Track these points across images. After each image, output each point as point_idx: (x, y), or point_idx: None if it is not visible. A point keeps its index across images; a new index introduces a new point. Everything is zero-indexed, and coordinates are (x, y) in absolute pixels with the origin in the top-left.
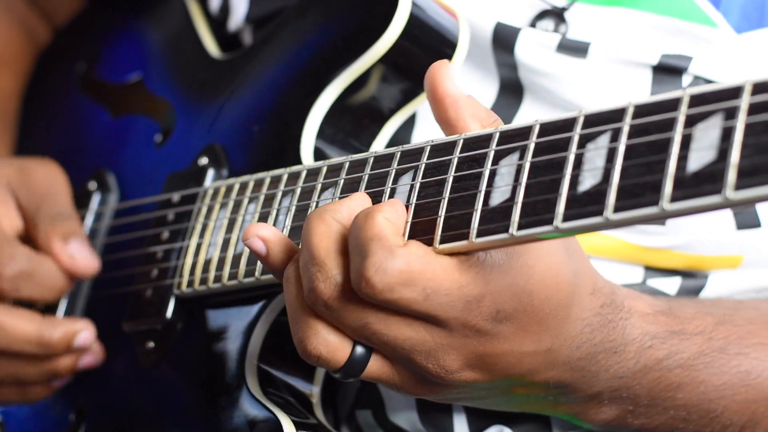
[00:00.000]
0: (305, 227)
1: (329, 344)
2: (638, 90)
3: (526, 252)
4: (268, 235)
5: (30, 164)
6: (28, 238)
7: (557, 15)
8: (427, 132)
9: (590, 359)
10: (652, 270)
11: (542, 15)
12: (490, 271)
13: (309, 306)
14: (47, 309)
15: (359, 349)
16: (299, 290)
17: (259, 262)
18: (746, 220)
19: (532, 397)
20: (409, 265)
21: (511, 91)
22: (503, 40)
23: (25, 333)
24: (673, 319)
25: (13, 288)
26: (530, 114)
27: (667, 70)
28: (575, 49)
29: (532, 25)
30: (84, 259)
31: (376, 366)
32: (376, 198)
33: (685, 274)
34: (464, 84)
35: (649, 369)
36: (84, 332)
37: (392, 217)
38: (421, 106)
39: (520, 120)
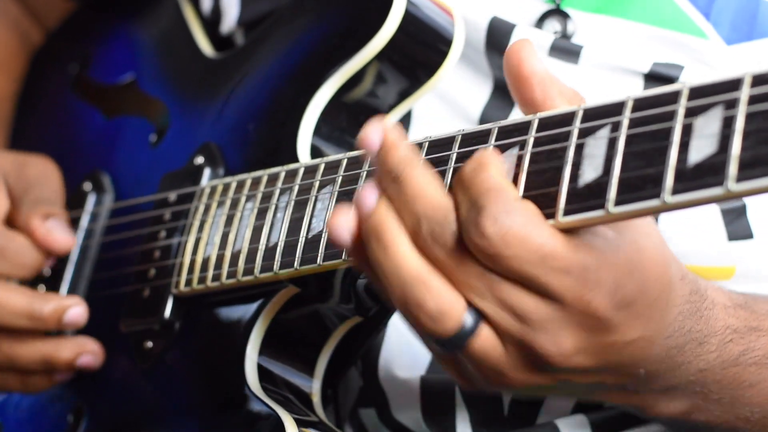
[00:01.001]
0: (407, 180)
1: (443, 301)
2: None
3: (634, 228)
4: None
5: (26, 158)
6: (11, 220)
7: (562, 15)
8: (423, 129)
9: (679, 349)
10: None
11: (547, 15)
12: (604, 243)
13: (418, 262)
14: None
15: (469, 316)
16: (407, 251)
17: (257, 260)
18: (738, 231)
19: (614, 387)
20: (527, 222)
21: (505, 92)
22: (497, 40)
23: (16, 305)
24: (750, 314)
25: None
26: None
27: (659, 79)
28: (568, 52)
29: (538, 26)
30: (60, 234)
31: (485, 337)
32: None
33: None
34: (457, 83)
35: (727, 364)
36: (75, 308)
37: (503, 169)
38: (416, 103)
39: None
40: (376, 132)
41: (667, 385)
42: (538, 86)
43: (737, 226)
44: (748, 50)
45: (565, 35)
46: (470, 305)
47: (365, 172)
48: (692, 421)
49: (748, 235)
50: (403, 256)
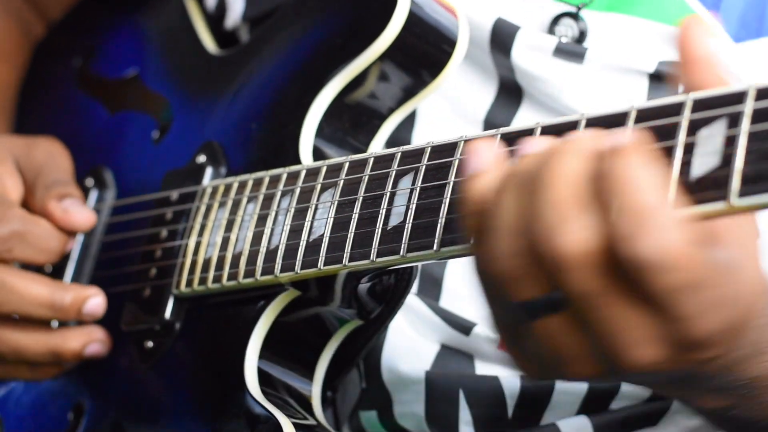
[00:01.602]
0: (551, 164)
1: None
2: (635, 97)
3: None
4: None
5: (35, 140)
6: (27, 206)
7: (575, 17)
8: (427, 130)
9: (744, 359)
10: None
11: (560, 17)
12: (727, 261)
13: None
14: None
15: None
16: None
17: (258, 262)
18: None
19: (670, 385)
20: (687, 244)
21: (511, 92)
22: (501, 40)
23: (38, 295)
24: None
25: (5, 249)
26: (528, 117)
27: (664, 78)
28: (572, 53)
29: (551, 31)
30: (78, 212)
31: (567, 317)
32: (376, 200)
33: None
34: (462, 84)
35: None
36: (95, 298)
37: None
38: (420, 104)
39: (518, 122)
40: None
41: (718, 385)
42: (710, 67)
43: None
44: (757, 48)
45: (579, 39)
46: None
47: (367, 176)
48: (734, 416)
49: None
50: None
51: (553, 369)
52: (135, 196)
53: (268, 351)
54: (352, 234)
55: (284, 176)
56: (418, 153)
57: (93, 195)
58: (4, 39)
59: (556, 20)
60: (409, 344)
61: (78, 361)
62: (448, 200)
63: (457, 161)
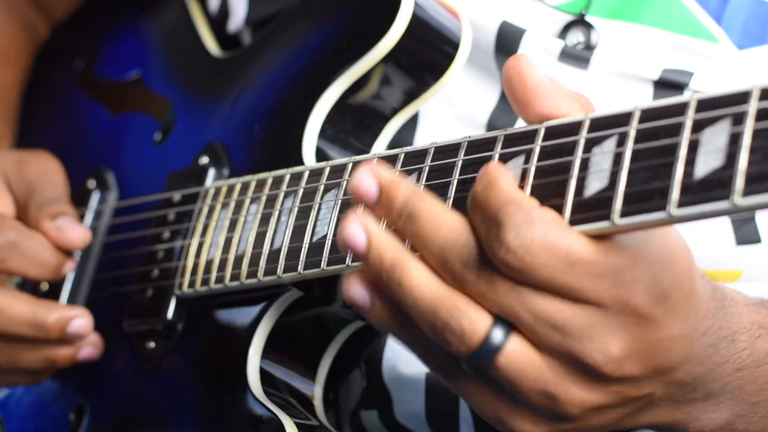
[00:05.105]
0: (427, 210)
1: (468, 316)
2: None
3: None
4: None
5: (26, 155)
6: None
7: (586, 25)
8: (429, 132)
9: (714, 347)
10: None
11: (570, 26)
12: (631, 240)
13: (439, 285)
14: None
15: (498, 330)
16: (425, 280)
17: (261, 263)
18: (746, 236)
19: (663, 400)
20: (549, 229)
21: None
22: (506, 43)
23: (20, 314)
24: None
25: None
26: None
27: (668, 85)
28: (577, 58)
29: (561, 38)
30: (72, 230)
31: (517, 350)
32: None
33: None
34: (465, 87)
35: (760, 361)
36: (79, 319)
37: (512, 179)
38: (423, 106)
39: (521, 125)
40: (367, 178)
41: (708, 391)
42: (544, 96)
43: (746, 231)
44: (759, 55)
45: (588, 46)
46: (499, 320)
47: None
48: None
49: (756, 239)
50: (423, 283)
51: (547, 405)
52: (137, 197)
53: (270, 351)
54: None
55: (287, 177)
56: (422, 153)
57: (95, 196)
58: (8, 42)
59: (566, 29)
60: None
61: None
62: (451, 200)
63: (460, 162)
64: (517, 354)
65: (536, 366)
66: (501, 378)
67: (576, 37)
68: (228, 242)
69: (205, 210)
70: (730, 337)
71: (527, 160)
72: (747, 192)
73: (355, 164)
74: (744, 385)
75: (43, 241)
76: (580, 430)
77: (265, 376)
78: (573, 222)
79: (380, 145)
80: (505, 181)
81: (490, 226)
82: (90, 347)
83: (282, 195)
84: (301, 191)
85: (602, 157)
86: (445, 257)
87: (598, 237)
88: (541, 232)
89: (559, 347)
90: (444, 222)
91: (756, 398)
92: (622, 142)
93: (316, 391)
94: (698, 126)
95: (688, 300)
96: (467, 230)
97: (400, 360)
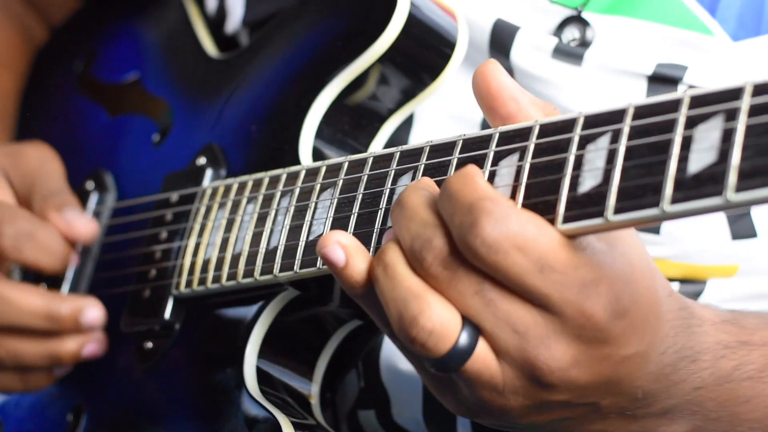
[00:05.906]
0: (404, 203)
1: (439, 316)
2: (633, 99)
3: (622, 241)
4: (348, 243)
5: (21, 148)
6: None
7: (581, 22)
8: (425, 132)
9: (673, 366)
10: None
11: (566, 22)
12: (599, 255)
13: (414, 280)
14: None
15: (465, 335)
16: (404, 270)
17: (257, 262)
18: (742, 231)
19: (612, 410)
20: (525, 229)
21: None
22: (500, 40)
23: (34, 306)
24: (740, 329)
25: (15, 247)
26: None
27: (662, 80)
28: (571, 54)
29: (557, 35)
30: (81, 223)
31: (482, 357)
32: (375, 199)
33: (683, 280)
34: (461, 86)
35: (722, 380)
36: (93, 308)
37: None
38: (419, 106)
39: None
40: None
41: (665, 407)
42: (510, 100)
43: (741, 225)
44: (754, 46)
45: (584, 42)
46: (467, 323)
47: (366, 176)
48: None
49: (751, 234)
50: (399, 273)
51: (497, 407)
52: (135, 198)
53: (267, 350)
54: (351, 233)
55: (284, 176)
56: (417, 152)
57: (93, 198)
58: (5, 46)
59: (561, 26)
60: None
61: (69, 367)
62: None
63: (455, 160)
64: (483, 358)
65: (492, 368)
66: (460, 380)
67: (571, 33)
68: (225, 242)
69: (203, 210)
70: (692, 357)
71: (522, 158)
72: (740, 188)
73: (351, 163)
74: (704, 402)
75: (55, 231)
76: (521, 423)
77: (262, 375)
78: (567, 219)
79: (377, 145)
80: (482, 178)
81: (466, 218)
82: (94, 344)
83: (278, 194)
84: (297, 190)
85: (596, 154)
86: (413, 245)
87: (572, 247)
88: (518, 227)
89: (514, 351)
90: (420, 210)
91: (716, 415)
92: (615, 139)
93: (313, 391)
94: (691, 122)
95: (648, 318)
96: (435, 221)
97: (398, 359)
